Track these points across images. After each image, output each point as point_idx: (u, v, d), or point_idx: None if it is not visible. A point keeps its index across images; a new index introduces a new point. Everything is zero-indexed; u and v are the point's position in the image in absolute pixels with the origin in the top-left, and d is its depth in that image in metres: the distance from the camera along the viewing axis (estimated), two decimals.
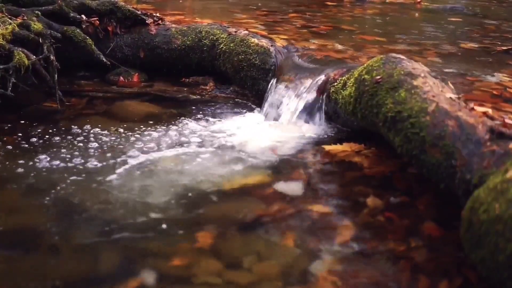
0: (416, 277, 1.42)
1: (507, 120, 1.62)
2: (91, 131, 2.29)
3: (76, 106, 2.64)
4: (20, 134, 2.23)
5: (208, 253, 1.51)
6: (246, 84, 2.79)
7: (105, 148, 2.14)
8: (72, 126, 2.34)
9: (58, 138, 2.21)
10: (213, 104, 2.72)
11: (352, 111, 2.11)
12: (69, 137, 2.23)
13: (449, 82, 1.94)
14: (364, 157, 2.08)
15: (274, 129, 2.41)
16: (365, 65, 2.09)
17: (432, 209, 1.74)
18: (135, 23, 3.06)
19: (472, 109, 1.68)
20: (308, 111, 2.42)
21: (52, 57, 2.59)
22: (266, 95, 2.62)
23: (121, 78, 2.99)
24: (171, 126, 2.39)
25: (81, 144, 2.16)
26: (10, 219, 1.68)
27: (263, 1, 4.96)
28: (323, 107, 2.39)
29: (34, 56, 2.50)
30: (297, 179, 1.95)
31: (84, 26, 2.91)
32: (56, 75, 2.59)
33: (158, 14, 3.22)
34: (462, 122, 1.59)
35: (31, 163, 1.99)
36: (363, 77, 2.03)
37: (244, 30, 2.96)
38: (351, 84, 2.12)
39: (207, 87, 2.93)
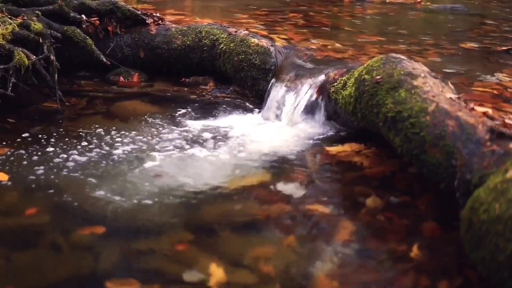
0: (416, 277, 1.42)
1: (507, 120, 1.62)
2: (91, 131, 2.29)
3: (76, 106, 2.64)
4: (20, 134, 2.22)
5: (208, 253, 1.51)
6: (246, 84, 2.79)
7: (105, 148, 2.14)
8: (72, 126, 2.35)
9: (58, 138, 2.21)
10: (213, 104, 2.72)
11: (352, 111, 2.11)
12: (69, 137, 2.23)
13: (449, 82, 1.94)
14: (364, 157, 2.08)
15: (274, 129, 2.41)
16: (365, 65, 2.09)
17: (433, 209, 1.74)
18: (135, 23, 3.06)
19: (472, 109, 1.68)
20: (308, 111, 2.42)
21: (52, 57, 2.59)
22: (266, 95, 2.61)
23: (121, 78, 2.99)
24: (171, 126, 2.39)
25: (81, 144, 2.16)
26: (10, 218, 1.68)
27: (263, 1, 4.96)
28: (323, 107, 2.38)
29: (34, 56, 2.50)
30: (297, 179, 1.95)
31: (84, 26, 2.91)
32: (56, 75, 2.59)
33: (158, 14, 3.22)
34: (462, 122, 1.59)
35: (31, 163, 1.98)
36: (363, 77, 2.03)
37: (244, 30, 2.96)
38: (351, 84, 2.12)
39: (207, 87, 2.93)
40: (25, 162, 1.99)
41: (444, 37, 3.65)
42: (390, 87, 1.87)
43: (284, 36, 3.18)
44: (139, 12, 3.07)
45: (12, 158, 2.02)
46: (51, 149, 2.10)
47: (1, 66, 2.37)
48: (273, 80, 2.64)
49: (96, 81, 2.98)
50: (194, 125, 2.41)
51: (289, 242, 1.58)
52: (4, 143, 2.14)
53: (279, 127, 2.42)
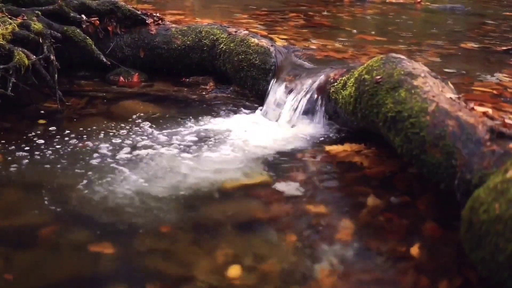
0: (416, 277, 1.42)
1: (507, 120, 1.62)
2: (91, 131, 2.29)
3: (76, 106, 2.64)
4: (20, 134, 2.22)
5: (208, 253, 1.51)
6: (246, 84, 2.79)
7: (105, 148, 2.14)
8: (72, 126, 2.34)
9: (58, 138, 2.21)
10: (213, 104, 2.72)
11: (352, 111, 2.11)
12: (69, 137, 2.23)
13: (449, 82, 1.94)
14: (364, 157, 2.08)
15: (274, 129, 2.41)
16: (365, 65, 2.09)
17: (433, 209, 1.74)
18: (135, 23, 3.06)
19: (472, 109, 1.68)
20: (308, 111, 2.42)
21: (52, 57, 2.59)
22: (266, 95, 2.61)
23: (121, 78, 2.99)
24: (171, 126, 2.39)
25: (81, 144, 2.16)
26: (10, 217, 1.68)
27: (263, 1, 4.96)
28: (323, 107, 2.38)
29: (34, 56, 2.50)
30: (297, 179, 1.95)
31: (84, 26, 2.91)
32: (56, 75, 2.58)
33: (158, 14, 3.22)
34: (462, 122, 1.59)
35: (31, 163, 1.99)
36: (363, 77, 2.03)
37: (244, 30, 2.96)
38: (351, 84, 2.12)
39: (207, 87, 2.93)
40: (25, 162, 1.99)
41: (444, 37, 3.65)
42: (390, 87, 1.87)
43: (284, 36, 3.18)
44: (139, 12, 3.07)
45: (12, 157, 2.02)
46: (51, 148, 2.10)
47: (1, 66, 2.37)
48: (273, 80, 2.64)
49: (96, 81, 2.98)
50: (194, 125, 2.41)
51: (289, 242, 1.58)
52: (4, 142, 2.14)
53: (279, 127, 2.42)
